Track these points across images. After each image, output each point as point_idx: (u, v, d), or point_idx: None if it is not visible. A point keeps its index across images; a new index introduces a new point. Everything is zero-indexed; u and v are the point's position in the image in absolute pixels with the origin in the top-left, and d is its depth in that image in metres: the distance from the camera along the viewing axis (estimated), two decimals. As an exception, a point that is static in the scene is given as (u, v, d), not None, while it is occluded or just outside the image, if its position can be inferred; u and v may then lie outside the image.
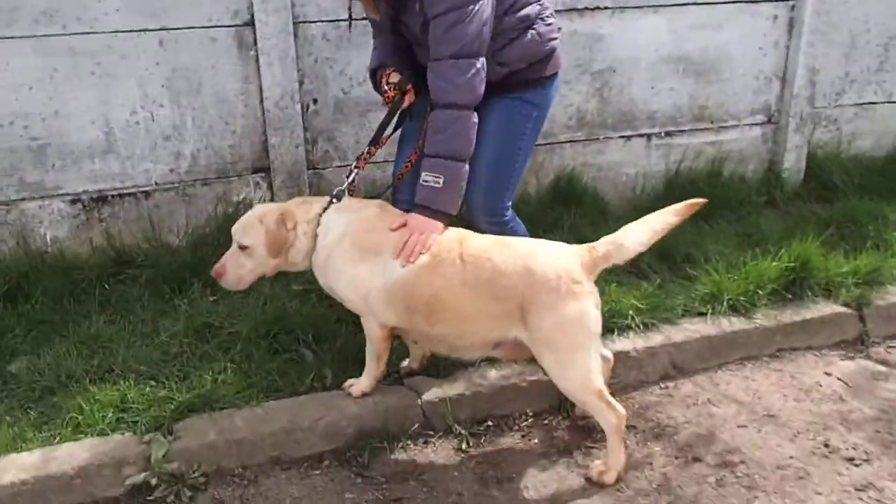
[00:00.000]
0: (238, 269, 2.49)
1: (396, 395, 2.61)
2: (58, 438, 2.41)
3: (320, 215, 2.47)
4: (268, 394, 2.62)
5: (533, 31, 2.58)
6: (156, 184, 3.49)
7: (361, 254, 2.40)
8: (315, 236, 2.47)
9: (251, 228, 2.47)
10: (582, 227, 3.84)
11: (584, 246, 2.34)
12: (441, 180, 2.41)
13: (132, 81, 3.32)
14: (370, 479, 2.40)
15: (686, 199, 4.13)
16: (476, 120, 2.47)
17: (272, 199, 3.58)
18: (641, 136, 4.27)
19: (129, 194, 3.47)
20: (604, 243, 2.31)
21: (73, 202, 3.40)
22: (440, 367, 2.76)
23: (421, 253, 2.34)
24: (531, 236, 3.64)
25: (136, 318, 3.10)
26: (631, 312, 2.99)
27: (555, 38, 2.66)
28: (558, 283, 2.23)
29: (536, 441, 2.59)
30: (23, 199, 3.33)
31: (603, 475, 2.34)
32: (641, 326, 2.97)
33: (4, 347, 2.91)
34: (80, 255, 3.42)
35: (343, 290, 2.46)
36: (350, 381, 2.62)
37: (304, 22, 3.45)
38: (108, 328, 3.02)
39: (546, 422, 2.68)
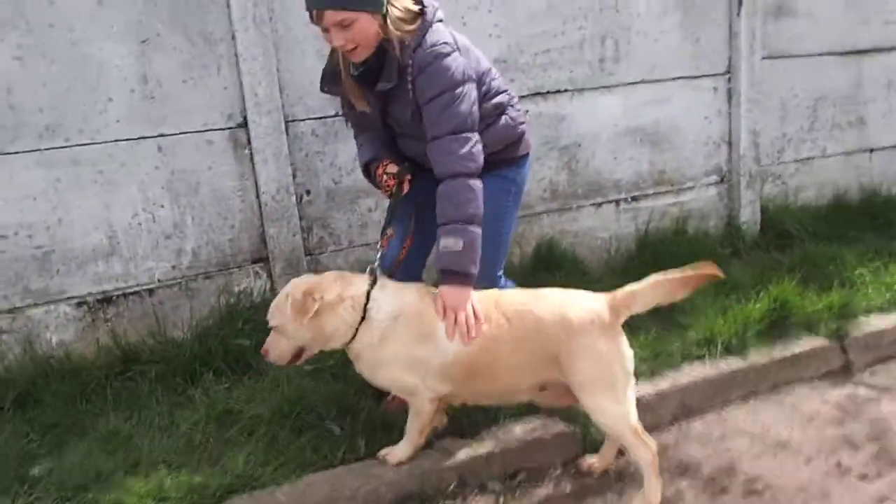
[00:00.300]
0: (277, 346, 2.58)
1: (430, 459, 2.69)
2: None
3: (369, 292, 2.55)
4: (303, 468, 2.67)
5: (506, 117, 2.83)
6: (159, 281, 3.57)
7: (418, 337, 2.52)
8: (364, 312, 2.54)
9: (279, 307, 2.57)
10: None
11: (609, 294, 2.52)
12: (461, 243, 2.53)
13: (133, 186, 3.44)
14: (411, 541, 2.45)
15: (658, 255, 4.47)
16: (482, 186, 2.62)
17: (273, 288, 3.69)
18: (610, 202, 4.57)
19: (134, 293, 3.53)
20: (625, 291, 2.50)
21: (79, 305, 3.44)
22: (464, 426, 2.85)
23: (475, 327, 2.46)
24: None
25: (152, 413, 3.11)
26: (636, 361, 3.16)
27: (524, 122, 2.94)
28: (592, 328, 2.39)
29: (569, 490, 2.68)
30: (28, 306, 3.36)
31: None
32: (649, 373, 3.14)
33: (22, 453, 2.88)
34: (86, 357, 3.43)
35: (397, 372, 2.54)
36: (385, 450, 2.69)
37: (294, 121, 3.66)
38: (125, 424, 3.03)
39: (575, 471, 2.78)
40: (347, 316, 2.53)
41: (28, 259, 3.34)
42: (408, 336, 2.51)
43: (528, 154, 2.97)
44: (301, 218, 3.74)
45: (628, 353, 2.47)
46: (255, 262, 3.73)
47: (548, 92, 4.25)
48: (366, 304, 2.53)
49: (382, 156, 2.82)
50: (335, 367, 3.21)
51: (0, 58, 3.15)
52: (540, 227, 4.38)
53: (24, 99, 3.21)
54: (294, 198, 3.69)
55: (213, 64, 3.48)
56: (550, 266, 4.31)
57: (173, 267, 3.59)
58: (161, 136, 3.45)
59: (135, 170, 3.43)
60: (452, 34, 2.64)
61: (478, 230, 2.59)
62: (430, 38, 2.55)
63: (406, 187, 2.80)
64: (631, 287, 2.50)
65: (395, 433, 2.78)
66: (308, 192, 3.77)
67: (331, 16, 2.45)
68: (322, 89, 2.83)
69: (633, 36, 4.39)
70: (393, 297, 2.56)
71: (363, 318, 2.52)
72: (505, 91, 2.86)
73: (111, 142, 3.37)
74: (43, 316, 3.39)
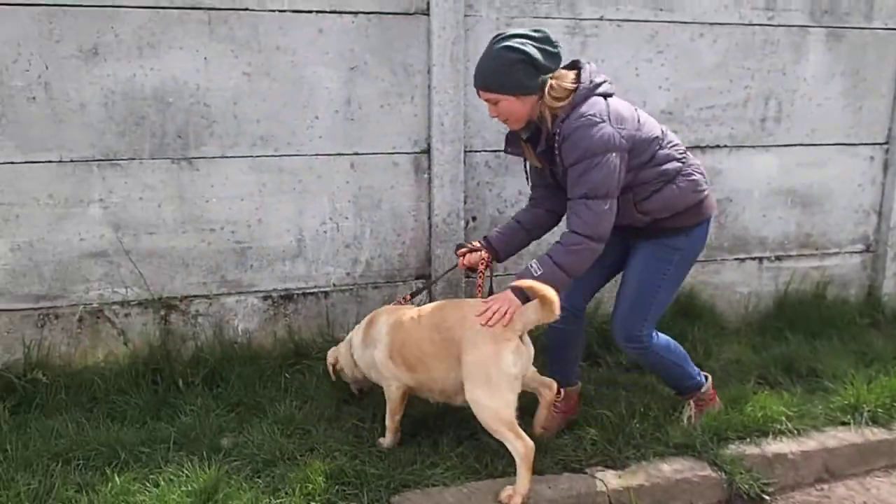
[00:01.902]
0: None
1: (585, 483, 2.89)
2: (292, 504, 2.71)
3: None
4: (467, 475, 2.91)
5: (673, 186, 2.95)
6: (334, 285, 3.92)
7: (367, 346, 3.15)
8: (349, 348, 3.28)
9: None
10: (706, 340, 4.18)
11: None
12: (540, 272, 2.79)
13: (325, 197, 3.82)
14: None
15: (796, 317, 4.52)
16: (599, 252, 2.83)
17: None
18: (754, 258, 4.65)
19: (311, 293, 3.89)
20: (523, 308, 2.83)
21: (265, 298, 3.83)
22: (616, 459, 3.04)
23: (499, 319, 2.75)
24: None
25: (320, 404, 3.44)
26: (783, 419, 3.27)
27: (700, 191, 3.00)
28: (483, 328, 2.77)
29: (713, 532, 2.82)
30: (223, 294, 3.76)
31: (511, 498, 2.74)
32: (794, 431, 3.24)
33: (212, 425, 3.25)
34: (264, 346, 3.81)
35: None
36: (380, 439, 3.13)
37: (472, 151, 3.97)
38: (298, 412, 3.36)
39: (718, 516, 2.93)
40: (348, 363, 3.32)
41: (228, 252, 3.75)
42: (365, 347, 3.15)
43: (702, 222, 3.09)
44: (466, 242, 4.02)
45: (509, 357, 2.74)
46: (418, 277, 4.04)
47: (707, 146, 4.40)
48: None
49: (489, 238, 3.25)
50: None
51: (233, 73, 3.57)
52: (683, 275, 4.51)
53: (246, 110, 3.63)
54: (462, 222, 3.98)
55: (407, 93, 3.83)
56: (689, 314, 4.44)
57: (348, 274, 3.94)
58: (355, 154, 3.81)
59: (328, 182, 3.80)
60: (610, 106, 2.82)
61: (564, 279, 2.83)
62: (581, 109, 2.79)
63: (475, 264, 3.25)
64: (526, 305, 2.81)
65: (548, 454, 3.01)
66: (474, 219, 4.06)
67: (482, 94, 2.89)
68: (506, 150, 3.17)
69: (796, 99, 4.49)
70: (359, 331, 3.23)
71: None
72: (678, 160, 2.96)
73: (312, 155, 3.76)
74: (234, 304, 3.79)
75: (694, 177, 3.00)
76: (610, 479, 2.92)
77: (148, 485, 2.75)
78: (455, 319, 2.87)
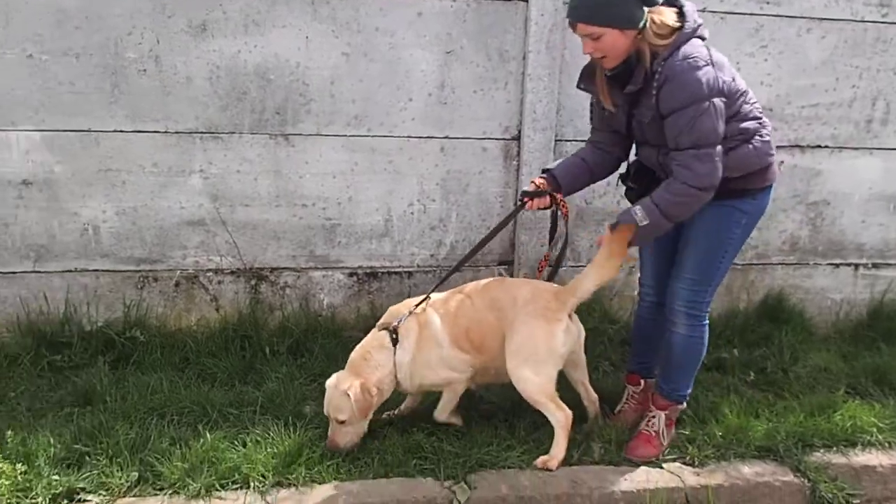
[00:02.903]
0: (345, 437, 2.89)
1: (662, 478, 2.86)
2: (371, 473, 2.78)
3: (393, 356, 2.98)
4: (543, 461, 2.93)
5: (750, 145, 2.81)
6: (417, 266, 3.98)
7: (430, 347, 2.99)
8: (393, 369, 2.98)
9: (342, 404, 2.86)
10: (793, 345, 4.06)
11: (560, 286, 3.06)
12: (647, 222, 2.73)
13: (414, 179, 3.87)
14: (643, 550, 2.63)
15: (891, 328, 4.34)
16: (707, 200, 2.72)
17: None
18: (849, 265, 4.47)
19: (395, 273, 3.96)
20: (570, 284, 2.98)
21: (350, 275, 3.92)
22: (694, 457, 2.99)
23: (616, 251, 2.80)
24: (741, 351, 3.93)
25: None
26: (874, 430, 3.15)
27: (771, 155, 2.87)
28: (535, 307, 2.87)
29: (794, 538, 2.75)
30: (311, 269, 3.88)
31: (547, 462, 2.84)
32: (886, 444, 3.12)
33: (295, 392, 3.36)
34: (347, 321, 3.91)
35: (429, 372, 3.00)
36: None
37: (562, 140, 3.94)
38: (377, 388, 3.43)
39: (800, 522, 2.85)
40: (389, 387, 3.01)
41: (318, 228, 3.85)
42: (422, 353, 2.97)
43: (768, 187, 2.94)
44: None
45: (560, 337, 2.87)
46: (500, 263, 4.06)
47: (807, 146, 4.24)
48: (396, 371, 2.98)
49: (554, 174, 3.07)
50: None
51: (332, 52, 3.66)
52: (772, 277, 4.39)
53: (343, 90, 3.71)
54: (549, 211, 3.96)
55: (502, 79, 3.84)
56: (776, 318, 4.31)
57: (431, 255, 3.99)
58: (446, 137, 3.85)
59: (418, 164, 3.86)
60: (709, 50, 2.70)
61: (668, 226, 2.77)
62: (684, 50, 2.65)
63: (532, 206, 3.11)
64: (574, 281, 2.95)
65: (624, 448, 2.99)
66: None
67: (582, 28, 2.69)
68: (578, 86, 3.02)
69: (906, 101, 4.28)
70: (407, 343, 2.98)
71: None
72: (757, 119, 2.85)
73: (404, 137, 3.81)
74: (321, 279, 3.90)
75: (768, 139, 2.88)
76: (688, 476, 2.88)
77: (236, 444, 2.87)
78: (507, 301, 2.94)
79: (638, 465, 2.93)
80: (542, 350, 2.85)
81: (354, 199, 3.85)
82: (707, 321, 3.02)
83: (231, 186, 3.73)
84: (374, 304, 3.95)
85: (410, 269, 3.98)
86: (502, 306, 2.94)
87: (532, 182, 3.10)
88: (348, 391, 2.83)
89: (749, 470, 2.94)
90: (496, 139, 3.91)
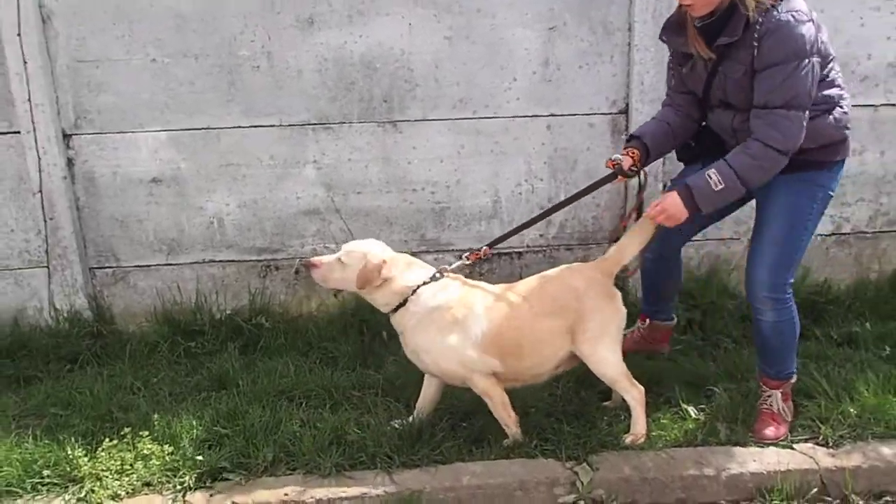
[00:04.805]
0: (328, 272, 2.89)
1: (794, 460, 2.76)
2: (493, 454, 2.82)
3: (419, 287, 2.83)
4: (665, 442, 2.88)
5: (831, 116, 2.69)
6: (527, 246, 3.97)
7: (447, 325, 2.78)
8: (405, 300, 2.82)
9: (356, 256, 2.85)
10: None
11: (598, 260, 3.03)
12: (721, 187, 2.62)
13: (520, 159, 3.86)
14: (778, 532, 2.55)
15: None
16: (783, 166, 2.62)
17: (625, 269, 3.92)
18: None
19: (506, 254, 3.97)
20: (610, 254, 2.98)
21: (460, 257, 3.94)
22: (828, 437, 2.87)
23: (661, 220, 2.75)
24: (873, 325, 3.70)
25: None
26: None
27: (848, 128, 2.76)
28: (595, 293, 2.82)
29: (940, 521, 2.60)
30: (422, 252, 3.93)
31: (637, 439, 2.84)
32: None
33: (413, 375, 3.41)
34: (459, 304, 3.95)
35: (435, 357, 2.83)
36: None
37: (672, 110, 3.81)
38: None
39: (949, 505, 2.69)
40: (389, 299, 2.85)
41: (428, 212, 3.91)
42: (437, 327, 2.77)
43: (842, 161, 2.82)
44: (660, 205, 3.91)
45: (623, 310, 2.88)
46: (612, 241, 3.97)
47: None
48: (411, 295, 2.81)
49: (645, 141, 2.95)
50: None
51: (434, 37, 3.68)
52: (908, 245, 4.12)
53: (447, 74, 3.73)
54: (660, 185, 3.86)
55: (607, 52, 3.75)
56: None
57: (541, 235, 3.97)
58: (552, 115, 3.81)
59: (525, 144, 3.84)
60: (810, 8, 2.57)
61: (742, 191, 2.68)
62: (787, 4, 2.52)
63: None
64: (612, 248, 2.97)
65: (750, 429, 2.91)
66: (673, 181, 3.92)
67: None
68: (661, 37, 2.94)
69: None
70: (438, 292, 2.83)
71: (403, 303, 2.83)
72: (841, 87, 2.72)
73: (509, 117, 3.80)
74: (432, 262, 3.93)
75: (847, 111, 2.75)
76: (822, 458, 2.77)
77: (362, 425, 2.97)
78: (570, 295, 2.85)
79: (767, 447, 2.83)
80: (614, 329, 2.87)
81: (462, 182, 3.88)
82: (792, 300, 2.88)
83: (343, 175, 3.83)
84: (485, 285, 3.97)
85: (520, 250, 3.98)
86: (565, 303, 2.83)
87: (626, 153, 2.98)
88: (370, 256, 2.83)
89: (889, 451, 2.80)
90: (603, 114, 3.83)
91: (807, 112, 2.57)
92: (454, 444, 2.86)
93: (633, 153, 2.96)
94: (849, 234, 4.07)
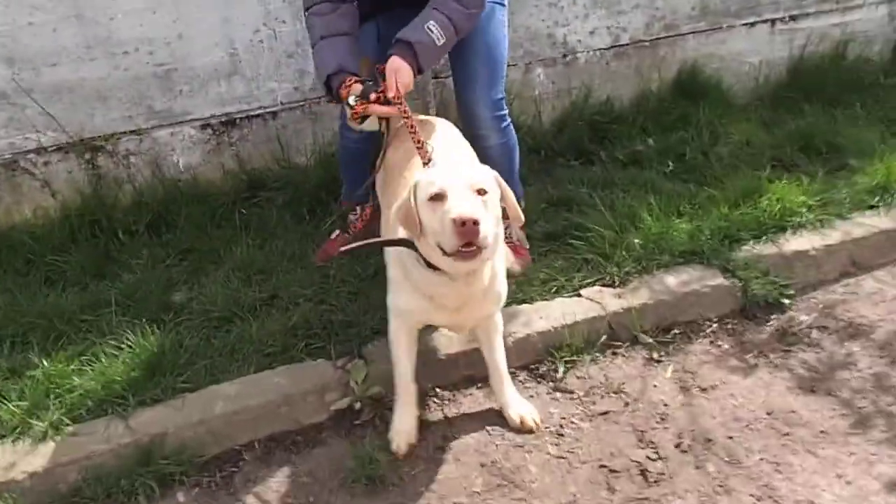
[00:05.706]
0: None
1: (581, 308, 2.56)
2: (252, 367, 2.40)
3: None
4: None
5: None
6: (281, 103, 3.39)
7: None
8: None
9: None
10: (712, 121, 3.71)
11: None
12: (443, 42, 2.34)
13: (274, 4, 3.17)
14: (569, 393, 2.38)
15: (812, 85, 4.00)
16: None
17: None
18: (765, 21, 4.06)
19: (257, 116, 3.37)
20: None
21: (203, 127, 3.31)
22: (615, 277, 2.69)
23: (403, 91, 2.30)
24: (657, 139, 3.53)
25: (281, 242, 3.06)
26: (803, 210, 2.88)
27: None
28: None
29: (727, 346, 2.54)
30: (153, 128, 3.25)
31: None
32: (816, 223, 2.86)
33: (161, 278, 2.89)
34: (213, 182, 3.36)
35: None
36: None
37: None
38: (258, 253, 2.99)
39: (731, 326, 2.63)
40: None
41: (150, 77, 3.18)
42: None
43: None
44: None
45: None
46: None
47: None
48: None
49: (347, 68, 2.39)
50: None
51: None
52: (683, 49, 3.95)
53: None
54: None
55: None
56: (692, 94, 3.96)
57: (295, 88, 3.39)
58: (280, -61, 3.10)
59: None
60: None
61: (449, 47, 2.43)
62: None
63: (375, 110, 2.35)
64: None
65: (535, 278, 2.66)
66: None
67: None
68: None
69: None
70: None
71: None
72: None
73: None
74: (169, 138, 3.28)
75: None
76: (608, 301, 2.59)
77: (92, 361, 2.43)
78: None
79: (553, 299, 2.60)
80: None
81: (186, 35, 3.15)
82: (507, 109, 2.71)
83: (26, 44, 2.99)
84: (239, 156, 3.38)
85: (274, 109, 3.39)
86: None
87: (346, 85, 2.37)
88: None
89: (674, 280, 2.67)
90: (344, -68, 3.16)
91: None
92: (205, 363, 2.40)
93: (350, 83, 2.37)
94: (627, 44, 3.82)
